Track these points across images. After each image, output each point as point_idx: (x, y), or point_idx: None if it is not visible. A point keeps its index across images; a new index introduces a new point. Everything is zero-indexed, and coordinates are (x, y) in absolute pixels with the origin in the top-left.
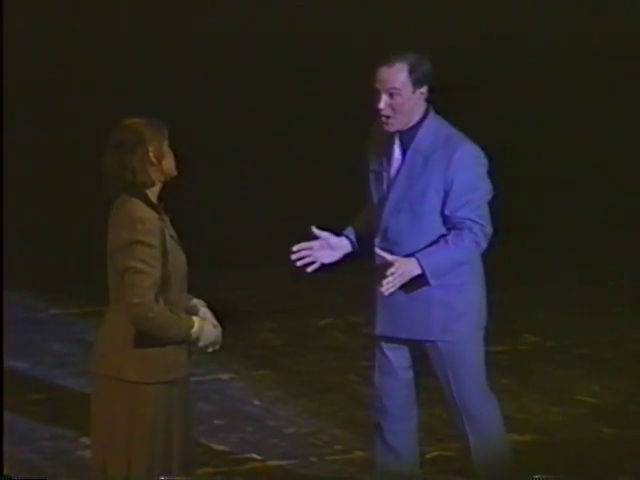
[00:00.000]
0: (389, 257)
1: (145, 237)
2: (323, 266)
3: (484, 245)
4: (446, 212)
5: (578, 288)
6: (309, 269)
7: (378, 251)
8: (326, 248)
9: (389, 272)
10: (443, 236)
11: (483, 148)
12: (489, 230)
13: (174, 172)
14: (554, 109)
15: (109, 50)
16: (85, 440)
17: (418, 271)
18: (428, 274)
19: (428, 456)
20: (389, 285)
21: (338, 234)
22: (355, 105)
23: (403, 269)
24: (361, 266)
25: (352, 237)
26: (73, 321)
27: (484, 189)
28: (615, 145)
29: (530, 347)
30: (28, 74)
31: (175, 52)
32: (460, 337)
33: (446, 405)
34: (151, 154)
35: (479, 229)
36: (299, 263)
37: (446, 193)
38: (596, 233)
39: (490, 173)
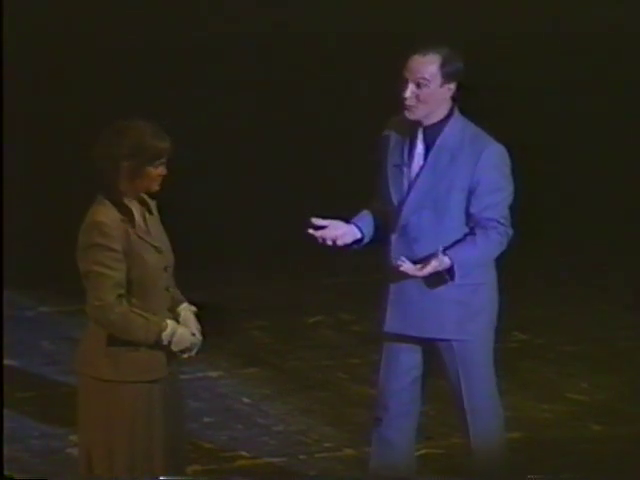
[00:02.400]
0: (439, 256)
1: (102, 240)
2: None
3: (505, 246)
4: (471, 211)
5: (568, 286)
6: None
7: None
8: (338, 230)
9: (428, 267)
10: (470, 234)
11: None
12: (511, 232)
13: (152, 189)
14: (551, 108)
15: (109, 50)
16: (74, 438)
17: (448, 266)
18: (457, 272)
19: (417, 453)
20: (412, 269)
21: (347, 221)
22: (356, 105)
23: (437, 266)
24: (352, 264)
25: (361, 224)
26: (62, 319)
27: (509, 190)
28: (611, 145)
29: (520, 345)
30: (28, 74)
31: (176, 52)
32: (473, 337)
33: (451, 403)
34: (124, 168)
35: (504, 230)
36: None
37: (471, 191)
38: (586, 232)
39: (514, 174)
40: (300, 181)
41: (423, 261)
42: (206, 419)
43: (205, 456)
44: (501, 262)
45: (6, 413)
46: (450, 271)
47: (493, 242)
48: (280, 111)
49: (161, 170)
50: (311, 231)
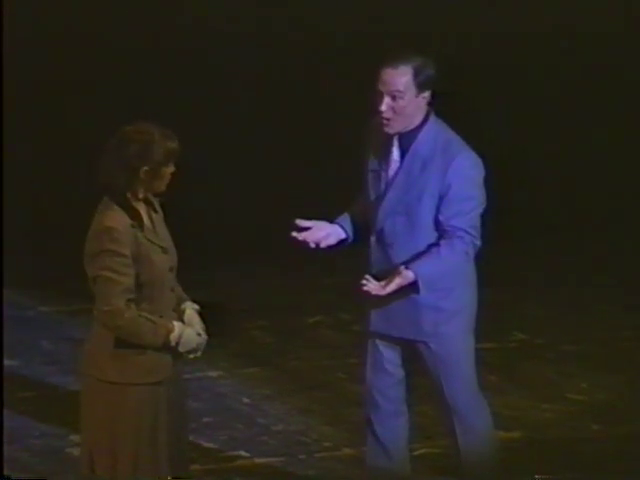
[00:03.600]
0: (403, 274)
1: (112, 246)
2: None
3: (472, 256)
4: (440, 218)
5: (567, 286)
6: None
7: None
8: (322, 232)
9: (391, 285)
10: (435, 245)
11: (479, 150)
12: (479, 242)
13: (161, 190)
14: (551, 108)
15: (110, 51)
16: (74, 438)
17: (412, 280)
18: (421, 285)
19: (416, 453)
20: (376, 289)
21: (331, 222)
22: (355, 105)
23: (401, 282)
24: (351, 263)
25: (345, 225)
26: (62, 319)
27: (479, 199)
28: (610, 146)
29: (519, 344)
30: (28, 74)
31: (175, 51)
32: (450, 338)
33: (436, 404)
34: (143, 171)
35: (470, 240)
36: (299, 237)
37: (441, 198)
38: (586, 232)
39: (486, 182)
40: (301, 181)
41: (387, 278)
42: (206, 419)
43: (205, 456)
44: (480, 263)
45: (6, 413)
46: (414, 285)
47: (458, 253)
48: (283, 112)
49: (171, 168)
50: (294, 234)
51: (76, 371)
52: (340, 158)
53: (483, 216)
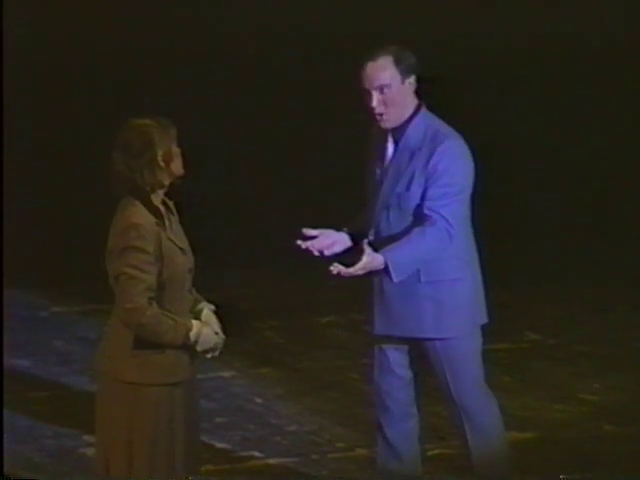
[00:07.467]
0: (366, 251)
1: (138, 243)
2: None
3: (447, 243)
4: (423, 202)
5: (579, 286)
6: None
7: (364, 244)
8: (328, 240)
9: (357, 264)
10: (408, 232)
11: (481, 147)
12: (453, 231)
13: (181, 172)
14: (551, 108)
15: (111, 50)
16: (87, 438)
17: (382, 265)
18: (391, 269)
19: (429, 454)
20: (345, 270)
21: (338, 230)
22: (355, 106)
23: (369, 264)
24: None
25: (353, 232)
26: (75, 319)
27: (459, 186)
28: (615, 144)
29: (532, 345)
30: (29, 74)
31: (176, 50)
32: (453, 334)
33: (445, 403)
34: (159, 158)
35: (444, 226)
36: (302, 246)
37: (426, 185)
38: (597, 231)
39: (477, 173)
40: (313, 181)
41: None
42: (219, 419)
43: (217, 456)
44: (482, 258)
45: (19, 413)
46: (386, 270)
47: (429, 237)
48: (286, 114)
49: (178, 149)
50: (298, 242)
51: (89, 371)
52: (344, 158)
53: (490, 215)
